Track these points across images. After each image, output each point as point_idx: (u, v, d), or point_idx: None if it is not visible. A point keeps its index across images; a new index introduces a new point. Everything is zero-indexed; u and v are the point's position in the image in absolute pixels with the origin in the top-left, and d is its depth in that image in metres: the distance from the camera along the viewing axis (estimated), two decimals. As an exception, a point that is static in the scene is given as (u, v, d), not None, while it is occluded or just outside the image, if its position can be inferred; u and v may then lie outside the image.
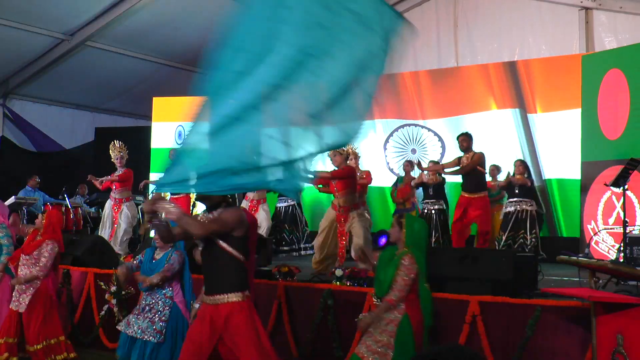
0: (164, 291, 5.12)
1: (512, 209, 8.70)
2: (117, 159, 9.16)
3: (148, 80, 12.70)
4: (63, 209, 10.08)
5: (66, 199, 10.71)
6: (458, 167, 8.12)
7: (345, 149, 7.51)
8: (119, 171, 9.12)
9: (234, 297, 3.74)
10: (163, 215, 3.66)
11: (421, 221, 4.82)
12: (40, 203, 10.85)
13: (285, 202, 9.90)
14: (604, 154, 8.01)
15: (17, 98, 12.52)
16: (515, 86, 10.07)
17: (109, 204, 9.13)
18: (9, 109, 12.44)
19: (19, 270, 6.07)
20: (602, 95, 8.19)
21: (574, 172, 9.01)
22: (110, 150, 9.24)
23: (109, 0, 10.16)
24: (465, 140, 8.05)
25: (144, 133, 12.69)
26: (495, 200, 9.09)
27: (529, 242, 8.50)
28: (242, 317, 3.73)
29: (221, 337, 3.73)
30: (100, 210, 11.66)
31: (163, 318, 5.04)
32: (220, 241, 3.74)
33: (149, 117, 12.88)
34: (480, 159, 7.95)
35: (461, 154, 8.15)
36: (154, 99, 12.59)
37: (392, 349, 4.23)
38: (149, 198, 5.87)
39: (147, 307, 5.07)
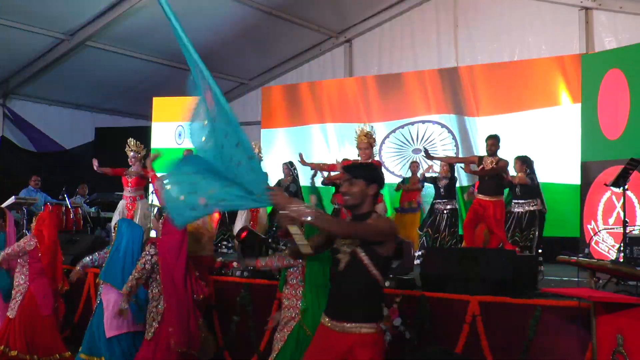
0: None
1: (516, 210, 8.22)
2: (132, 157, 8.92)
3: (148, 80, 12.70)
4: (63, 209, 10.09)
5: (66, 199, 10.71)
6: (475, 166, 7.99)
7: (375, 139, 7.09)
8: (137, 169, 8.95)
9: (367, 329, 3.21)
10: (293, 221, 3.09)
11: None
12: (40, 203, 10.85)
13: None
14: (604, 154, 8.01)
15: (17, 98, 12.52)
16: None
17: (122, 203, 9.00)
18: (9, 109, 12.44)
19: (15, 276, 6.09)
20: (602, 95, 8.19)
21: (571, 174, 9.06)
22: (127, 149, 9.12)
23: (109, 0, 10.15)
24: (494, 144, 7.89)
25: (144, 133, 12.68)
26: None
27: (534, 242, 8.08)
28: (373, 352, 3.19)
29: None
30: (100, 210, 11.67)
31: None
32: (364, 256, 3.20)
33: (149, 117, 12.88)
34: (505, 166, 7.85)
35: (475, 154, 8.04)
36: (154, 99, 12.59)
37: (283, 341, 4.38)
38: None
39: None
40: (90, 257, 5.90)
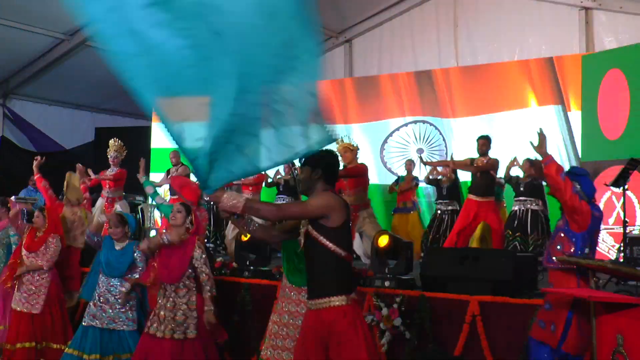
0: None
1: (517, 208, 8.28)
2: (112, 157, 9.06)
3: (148, 80, 12.68)
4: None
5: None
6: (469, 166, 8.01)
7: (355, 145, 7.35)
8: (113, 170, 9.04)
9: (337, 301, 3.37)
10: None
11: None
12: (40, 203, 10.83)
13: (283, 200, 9.88)
14: (604, 154, 8.02)
15: (17, 98, 12.52)
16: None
17: (100, 202, 9.03)
18: (9, 109, 12.44)
19: (31, 273, 6.11)
20: (602, 95, 8.20)
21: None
22: (110, 147, 9.15)
23: (109, 0, 10.15)
24: (485, 143, 7.89)
25: (144, 133, 12.69)
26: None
27: (538, 243, 8.05)
28: (346, 323, 3.35)
29: (327, 346, 3.37)
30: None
31: (134, 308, 5.34)
32: (315, 232, 3.39)
33: (149, 117, 12.87)
34: (495, 164, 7.85)
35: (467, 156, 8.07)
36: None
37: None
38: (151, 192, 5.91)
39: (113, 297, 5.31)
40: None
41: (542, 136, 4.24)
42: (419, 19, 11.78)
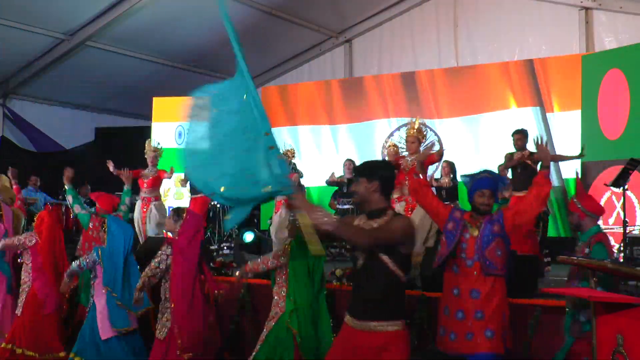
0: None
1: None
2: (151, 157, 9.05)
3: (148, 80, 12.70)
4: (63, 208, 10.08)
5: (66, 199, 10.70)
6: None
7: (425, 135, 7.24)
8: (152, 171, 9.00)
9: (392, 326, 3.25)
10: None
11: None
12: (40, 203, 10.84)
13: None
14: (604, 154, 8.01)
15: (17, 98, 12.51)
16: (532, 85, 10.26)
17: (138, 204, 9.02)
18: (9, 109, 12.43)
19: (22, 274, 6.13)
20: (602, 95, 8.20)
21: (571, 174, 9.06)
22: (147, 148, 9.16)
23: (109, 0, 10.15)
24: (521, 138, 7.62)
25: (144, 133, 12.68)
26: None
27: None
28: (399, 350, 3.25)
29: None
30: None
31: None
32: (384, 256, 3.23)
33: (149, 117, 12.87)
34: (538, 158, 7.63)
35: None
36: (154, 99, 12.59)
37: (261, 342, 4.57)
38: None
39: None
40: (78, 262, 5.62)
41: (543, 148, 4.34)
42: (419, 19, 11.78)
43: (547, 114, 9.94)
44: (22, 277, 6.12)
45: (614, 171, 6.91)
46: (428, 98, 11.03)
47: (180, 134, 12.55)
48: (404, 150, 7.47)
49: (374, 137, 11.37)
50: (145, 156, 9.17)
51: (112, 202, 6.59)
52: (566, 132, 9.49)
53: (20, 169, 11.87)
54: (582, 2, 10.04)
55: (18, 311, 6.04)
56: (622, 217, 6.57)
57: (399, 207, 6.97)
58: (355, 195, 3.44)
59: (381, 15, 12.15)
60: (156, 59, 12.18)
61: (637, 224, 7.49)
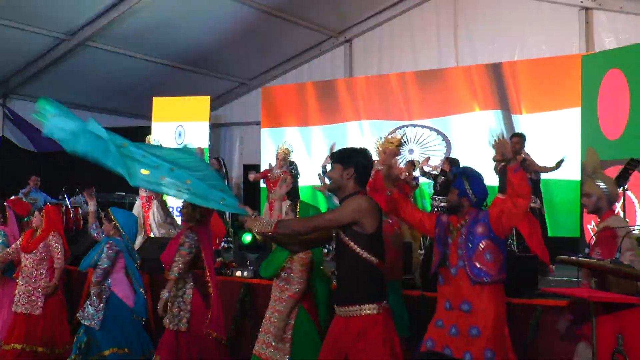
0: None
1: None
2: None
3: (148, 80, 12.70)
4: (63, 208, 10.09)
5: (66, 199, 10.70)
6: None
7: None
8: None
9: (368, 309, 3.28)
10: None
11: (317, 209, 4.74)
12: (40, 203, 10.83)
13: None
14: (604, 154, 7.98)
15: (17, 98, 12.50)
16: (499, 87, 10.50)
17: (138, 204, 9.01)
18: (9, 109, 12.43)
19: (22, 271, 6.11)
20: (602, 95, 8.19)
21: (571, 174, 9.04)
22: None
23: (109, 0, 10.15)
24: (519, 142, 7.63)
25: (144, 133, 12.68)
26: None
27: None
28: (376, 332, 3.26)
29: (347, 355, 3.28)
30: (100, 210, 11.65)
31: (100, 307, 5.48)
32: (346, 238, 3.30)
33: (149, 117, 12.88)
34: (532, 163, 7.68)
35: None
36: (154, 99, 12.60)
37: (289, 341, 4.34)
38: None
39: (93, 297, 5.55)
40: (103, 267, 5.58)
41: (501, 141, 3.75)
42: (419, 19, 11.78)
43: (513, 116, 10.19)
44: (33, 272, 6.11)
45: (614, 171, 6.90)
46: (399, 100, 11.35)
47: (180, 134, 12.56)
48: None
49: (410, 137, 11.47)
50: None
51: (27, 207, 6.95)
52: (536, 133, 9.53)
53: (20, 169, 11.91)
54: (582, 2, 10.04)
55: (26, 309, 6.03)
56: (622, 217, 6.56)
57: None
58: (330, 181, 3.47)
59: (381, 15, 12.15)
60: (156, 59, 12.18)
61: (637, 224, 7.48)
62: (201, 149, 10.69)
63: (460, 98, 10.82)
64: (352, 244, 3.27)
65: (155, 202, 8.80)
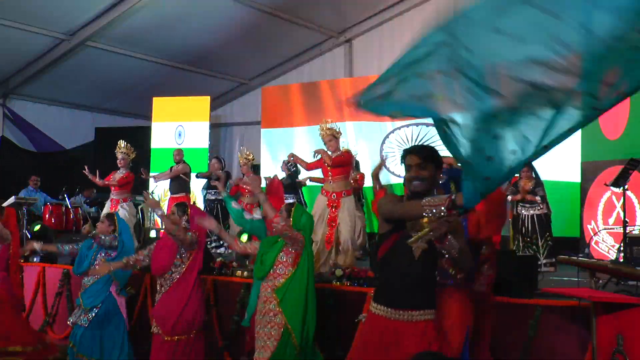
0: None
1: (524, 212, 7.79)
2: (120, 159, 9.04)
3: (148, 80, 12.70)
4: (63, 208, 10.11)
5: (66, 199, 10.71)
6: None
7: (339, 132, 7.36)
8: (121, 173, 9.01)
9: (431, 315, 3.18)
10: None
11: (309, 215, 5.02)
12: (40, 203, 10.85)
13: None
14: (604, 154, 8.01)
15: (17, 98, 12.51)
16: None
17: (108, 204, 9.06)
18: (9, 109, 12.43)
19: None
20: (602, 95, 8.18)
21: (571, 174, 9.05)
22: (117, 150, 9.12)
23: (109, 0, 10.15)
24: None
25: (144, 133, 12.70)
26: None
27: (541, 247, 7.68)
28: (439, 340, 3.17)
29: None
30: (100, 210, 11.68)
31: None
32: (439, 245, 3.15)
33: (149, 117, 12.88)
34: None
35: None
36: (154, 99, 12.59)
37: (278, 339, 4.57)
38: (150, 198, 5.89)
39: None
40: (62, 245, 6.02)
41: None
42: (419, 19, 11.77)
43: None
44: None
45: (614, 171, 6.91)
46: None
47: (180, 134, 12.56)
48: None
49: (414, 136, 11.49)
50: (117, 156, 9.07)
51: None
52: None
53: (20, 169, 11.92)
54: (582, 2, 10.04)
55: None
56: (622, 217, 6.56)
57: (320, 200, 7.11)
58: (423, 180, 3.10)
59: (381, 15, 12.15)
60: (156, 59, 12.18)
61: (637, 224, 7.48)
62: None
63: None
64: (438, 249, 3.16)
65: (122, 204, 8.79)
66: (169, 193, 10.16)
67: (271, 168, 11.62)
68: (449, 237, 3.04)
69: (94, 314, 5.65)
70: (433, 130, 11.03)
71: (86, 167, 8.99)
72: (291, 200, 7.71)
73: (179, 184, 9.72)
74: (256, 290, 4.94)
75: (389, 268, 3.23)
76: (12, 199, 9.44)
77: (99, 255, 5.68)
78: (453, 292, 3.64)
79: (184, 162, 9.88)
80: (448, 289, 3.64)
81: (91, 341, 5.59)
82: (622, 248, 6.49)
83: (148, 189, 10.80)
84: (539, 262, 7.13)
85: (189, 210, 5.42)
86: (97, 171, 9.04)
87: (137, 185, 9.57)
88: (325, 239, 6.87)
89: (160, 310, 5.15)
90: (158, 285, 5.29)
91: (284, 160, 10.09)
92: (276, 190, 5.84)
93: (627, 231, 6.51)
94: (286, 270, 4.75)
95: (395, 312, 3.14)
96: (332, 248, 6.87)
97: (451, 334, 3.57)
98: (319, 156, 7.22)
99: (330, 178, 7.11)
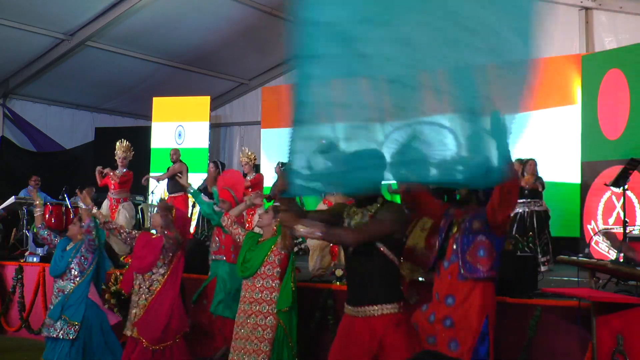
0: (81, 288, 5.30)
1: (521, 210, 7.86)
2: (121, 158, 9.04)
3: (148, 80, 12.71)
4: (63, 208, 10.07)
5: (66, 199, 10.70)
6: None
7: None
8: (120, 172, 9.03)
9: (389, 309, 3.29)
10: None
11: None
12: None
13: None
14: (604, 154, 8.02)
15: (17, 98, 12.51)
16: None
17: (106, 204, 9.05)
18: (9, 109, 12.43)
19: None
20: (602, 95, 8.19)
21: (571, 174, 9.04)
22: (117, 148, 9.12)
23: (109, 0, 10.15)
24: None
25: (144, 133, 12.70)
26: None
27: (538, 245, 7.76)
28: (400, 332, 3.28)
29: (376, 356, 3.26)
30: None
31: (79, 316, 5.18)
32: (379, 244, 3.29)
33: (149, 117, 12.89)
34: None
35: None
36: (154, 99, 12.59)
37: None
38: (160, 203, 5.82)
39: (62, 306, 5.22)
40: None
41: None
42: (418, 19, 11.77)
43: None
44: None
45: (614, 171, 6.91)
46: None
47: (180, 134, 12.56)
48: None
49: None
50: (116, 157, 9.08)
51: None
52: (536, 133, 9.33)
53: (20, 169, 11.91)
54: (582, 2, 10.03)
55: None
56: (622, 217, 6.57)
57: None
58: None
59: (381, 15, 12.14)
60: (156, 59, 12.18)
61: (637, 224, 7.49)
62: None
63: None
64: (383, 247, 3.29)
65: (122, 204, 8.81)
66: (167, 193, 10.17)
67: (271, 168, 11.61)
68: (297, 226, 3.17)
69: (77, 327, 5.19)
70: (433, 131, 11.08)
71: (98, 168, 9.01)
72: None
73: (176, 183, 9.72)
74: (223, 278, 5.12)
75: (349, 268, 3.47)
76: (12, 199, 9.43)
77: (75, 258, 5.46)
78: (478, 284, 3.58)
79: (181, 161, 9.89)
80: (472, 282, 3.58)
81: (77, 355, 5.20)
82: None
83: (148, 189, 10.81)
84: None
85: (173, 211, 5.23)
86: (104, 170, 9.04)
87: (137, 186, 9.57)
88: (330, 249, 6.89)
89: (146, 324, 4.91)
90: (136, 286, 5.06)
91: (278, 162, 10.07)
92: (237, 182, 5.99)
93: (627, 231, 6.51)
94: (274, 271, 4.75)
95: (353, 310, 3.34)
96: (327, 247, 6.86)
97: (467, 319, 3.53)
98: None
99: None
